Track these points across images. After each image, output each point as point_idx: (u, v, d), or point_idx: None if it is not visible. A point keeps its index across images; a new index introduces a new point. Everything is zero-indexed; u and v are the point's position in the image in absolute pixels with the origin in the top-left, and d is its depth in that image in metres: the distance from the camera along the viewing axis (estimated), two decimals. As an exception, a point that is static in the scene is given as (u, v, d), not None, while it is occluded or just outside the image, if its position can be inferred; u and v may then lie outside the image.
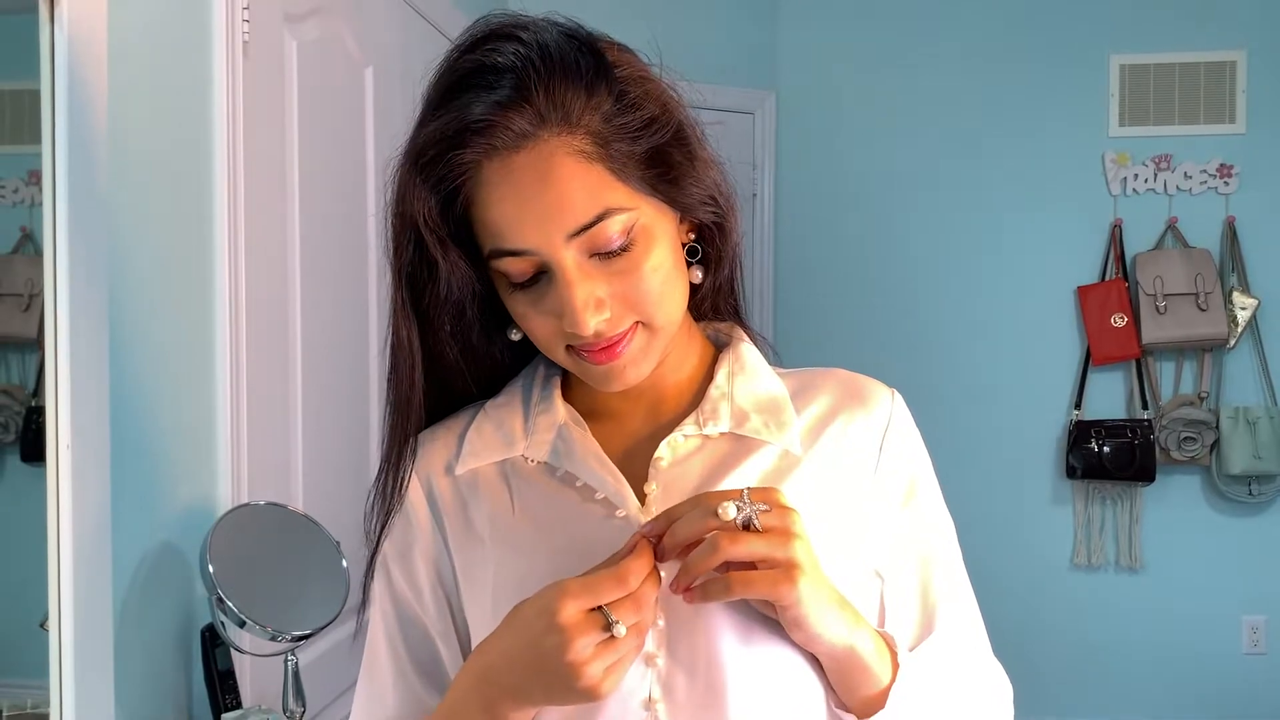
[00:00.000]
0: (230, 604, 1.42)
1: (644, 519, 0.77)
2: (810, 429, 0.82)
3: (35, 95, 1.26)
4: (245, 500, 1.59)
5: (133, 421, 1.46)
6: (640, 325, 0.77)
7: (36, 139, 1.26)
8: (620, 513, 0.79)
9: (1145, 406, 3.56)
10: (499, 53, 0.73)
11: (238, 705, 1.52)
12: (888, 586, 0.83)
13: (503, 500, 0.82)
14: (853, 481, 0.81)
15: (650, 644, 0.75)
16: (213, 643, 1.55)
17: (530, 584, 0.75)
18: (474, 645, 0.79)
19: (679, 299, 0.78)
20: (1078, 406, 3.60)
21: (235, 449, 1.59)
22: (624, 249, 0.74)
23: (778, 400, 0.83)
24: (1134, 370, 3.59)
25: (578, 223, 0.72)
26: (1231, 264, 3.53)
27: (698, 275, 0.82)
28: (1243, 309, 3.49)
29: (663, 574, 0.74)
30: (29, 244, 1.33)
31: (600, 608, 0.70)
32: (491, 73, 0.73)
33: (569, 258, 0.73)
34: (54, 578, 1.31)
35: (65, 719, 1.31)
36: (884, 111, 3.70)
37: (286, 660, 1.51)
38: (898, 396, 0.86)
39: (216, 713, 1.51)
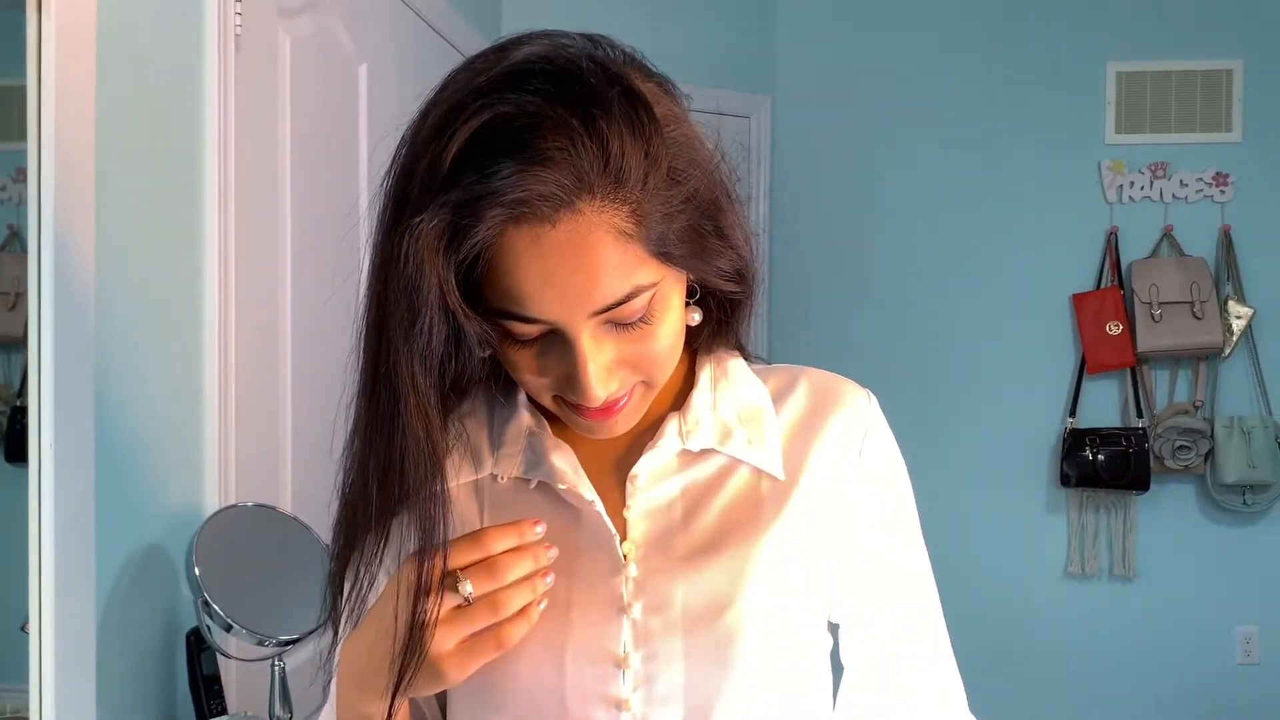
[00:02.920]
0: (217, 607, 1.40)
1: (627, 542, 0.76)
2: (789, 440, 0.79)
3: (21, 92, 1.23)
4: (233, 502, 1.57)
5: (118, 421, 1.43)
6: (641, 383, 0.74)
7: (23, 136, 1.23)
8: (596, 507, 0.76)
9: (1140, 415, 3.55)
10: (538, 95, 0.64)
11: (223, 711, 1.50)
12: (849, 632, 0.82)
13: (472, 522, 0.78)
14: (830, 503, 0.79)
15: (624, 688, 0.72)
16: (198, 647, 1.52)
17: None
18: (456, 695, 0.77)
19: (679, 351, 0.75)
20: (1072, 414, 3.59)
21: (222, 450, 1.57)
22: (642, 320, 0.70)
23: (760, 410, 0.80)
24: (1129, 378, 3.58)
25: (606, 303, 0.67)
26: (1227, 273, 3.53)
27: (695, 318, 0.78)
28: (1238, 318, 3.49)
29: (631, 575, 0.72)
30: (16, 242, 1.31)
31: (455, 573, 0.66)
32: (529, 128, 0.63)
33: (586, 330, 0.69)
34: (35, 579, 1.28)
35: (46, 722, 1.29)
36: (880, 116, 3.68)
37: (273, 665, 1.49)
38: (873, 399, 0.83)
39: (201, 718, 1.48)
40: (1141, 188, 3.59)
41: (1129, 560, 3.58)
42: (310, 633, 1.45)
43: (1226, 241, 3.54)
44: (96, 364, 1.34)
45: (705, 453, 0.78)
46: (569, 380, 0.71)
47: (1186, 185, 3.57)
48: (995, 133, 3.64)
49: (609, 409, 0.73)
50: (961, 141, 3.66)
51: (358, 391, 0.74)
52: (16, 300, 1.30)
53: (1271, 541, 3.53)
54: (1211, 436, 3.47)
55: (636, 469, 0.77)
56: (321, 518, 1.59)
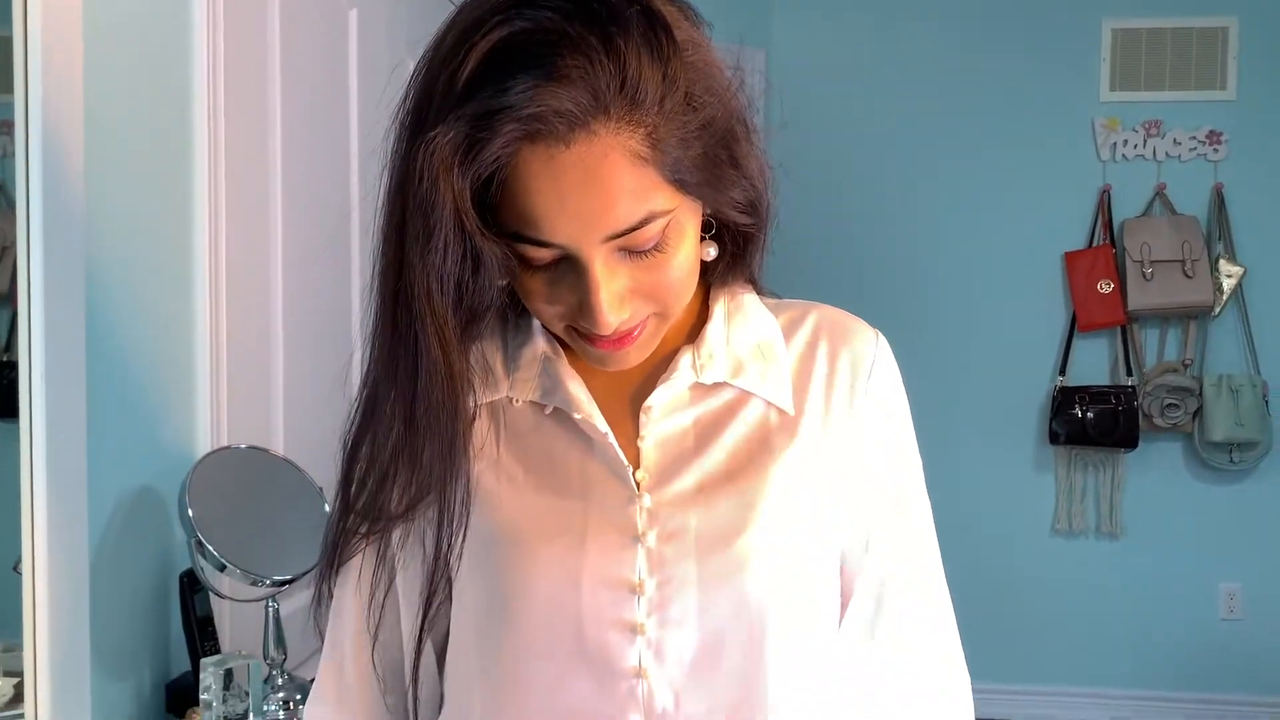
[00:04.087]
0: (210, 547, 1.40)
1: (641, 474, 0.76)
2: (799, 374, 0.80)
3: (8, 43, 1.21)
4: (225, 444, 1.56)
5: (110, 364, 1.42)
6: (655, 315, 0.74)
7: (8, 88, 1.22)
8: (609, 439, 0.76)
9: (1129, 373, 3.56)
10: (557, 12, 0.63)
11: (216, 652, 1.50)
12: (850, 574, 0.82)
13: (486, 444, 0.78)
14: (837, 437, 0.79)
15: (640, 613, 0.73)
16: (191, 588, 1.52)
17: (529, 526, 0.73)
18: (460, 596, 0.77)
19: (694, 283, 0.75)
20: (1062, 373, 3.60)
21: (215, 393, 1.56)
22: (656, 248, 0.70)
23: (772, 344, 0.80)
24: (1119, 337, 3.60)
25: (619, 227, 0.67)
26: (1218, 231, 3.53)
27: (710, 253, 0.78)
28: (1228, 277, 3.49)
29: (654, 529, 0.72)
30: (2, 196, 1.29)
31: None
32: (546, 45, 0.63)
33: (600, 256, 0.68)
34: (28, 520, 1.28)
35: (40, 663, 1.29)
36: (874, 73, 3.66)
37: (267, 606, 1.49)
38: (882, 339, 0.83)
39: (195, 660, 1.49)
40: (1135, 146, 3.58)
41: (1116, 518, 3.61)
42: (304, 573, 1.45)
43: (1219, 200, 3.54)
44: (87, 307, 1.33)
45: (717, 385, 0.79)
46: (582, 308, 0.70)
47: (1180, 144, 3.56)
48: (989, 90, 3.62)
49: (622, 339, 0.73)
50: (955, 99, 3.64)
51: (375, 314, 0.74)
52: (3, 253, 1.29)
53: (1257, 499, 3.56)
54: (1200, 395, 3.49)
55: (650, 400, 0.77)
56: (314, 460, 1.59)
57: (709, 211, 0.75)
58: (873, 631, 0.82)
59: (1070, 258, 3.60)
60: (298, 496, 1.51)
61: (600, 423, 0.76)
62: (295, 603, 1.56)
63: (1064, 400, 3.55)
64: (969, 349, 3.65)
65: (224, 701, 1.35)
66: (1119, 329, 3.58)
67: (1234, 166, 3.54)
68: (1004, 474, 3.66)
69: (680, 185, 0.69)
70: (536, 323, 0.80)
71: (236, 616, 1.62)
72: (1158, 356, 3.59)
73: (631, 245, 0.69)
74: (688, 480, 0.75)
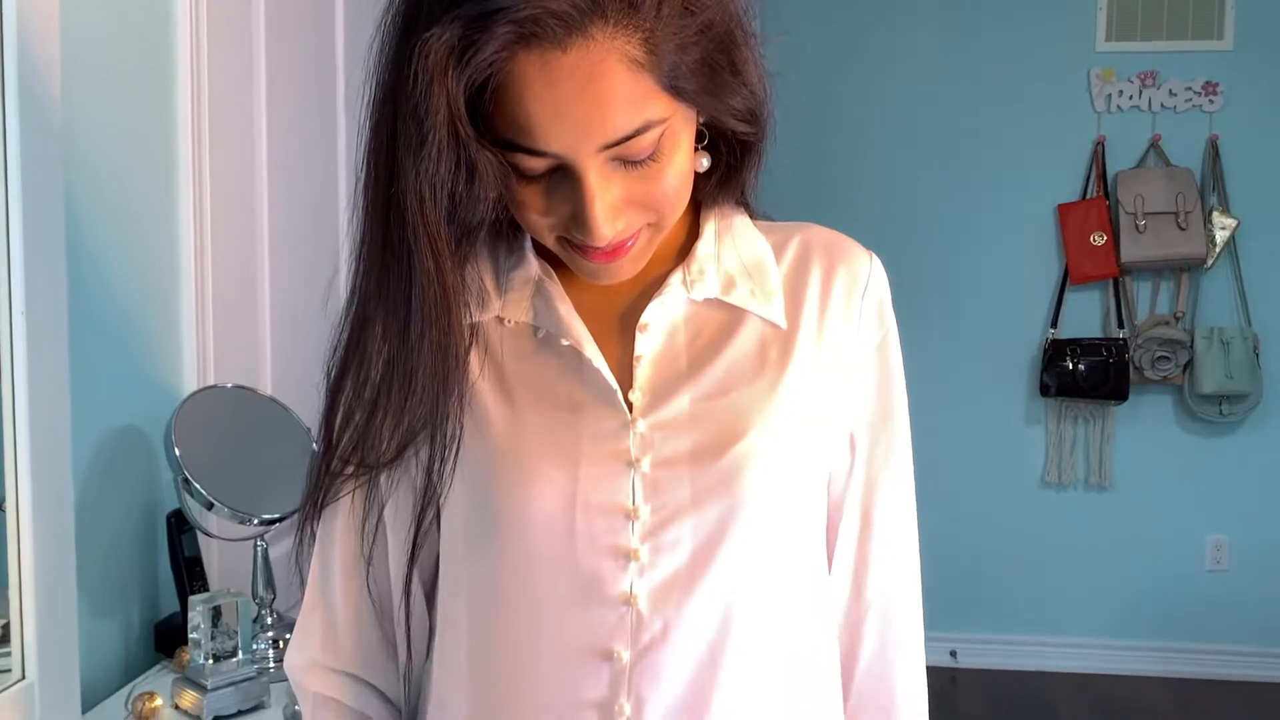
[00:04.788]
0: (197, 485, 1.38)
1: (632, 394, 0.74)
2: (791, 291, 0.79)
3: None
4: (211, 383, 1.54)
5: (92, 300, 1.39)
6: (648, 225, 0.72)
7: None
8: (596, 363, 0.74)
9: (1121, 326, 3.56)
10: None
11: (205, 591, 1.49)
12: (838, 476, 0.82)
13: (472, 366, 0.76)
14: (830, 355, 0.79)
15: (634, 539, 0.71)
16: (179, 529, 1.51)
17: (523, 446, 0.72)
18: (448, 523, 0.75)
19: (688, 194, 0.73)
20: (1053, 325, 3.60)
21: (201, 330, 1.53)
22: (651, 158, 0.68)
23: (762, 262, 0.79)
24: (1111, 289, 3.59)
25: (615, 136, 0.66)
26: (1213, 183, 3.51)
27: (703, 164, 0.76)
28: (1222, 229, 3.48)
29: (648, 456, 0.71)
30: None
31: None
32: None
33: (594, 165, 0.67)
34: (10, 458, 1.25)
35: (26, 603, 1.27)
36: (866, 21, 3.61)
37: (255, 546, 1.48)
38: (876, 260, 0.83)
39: (183, 600, 1.47)
40: (1130, 97, 3.55)
41: (1105, 470, 3.62)
42: (293, 513, 1.43)
43: (1213, 152, 3.52)
44: (68, 242, 1.30)
45: (709, 303, 0.77)
46: (575, 219, 0.69)
47: (1175, 95, 3.53)
48: (985, 39, 3.58)
49: (615, 251, 0.71)
50: (949, 50, 3.60)
51: (362, 229, 0.72)
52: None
53: (1245, 452, 3.57)
54: (1191, 347, 3.49)
55: (643, 319, 0.76)
56: (301, 399, 1.57)
57: (703, 120, 0.73)
58: (855, 545, 0.82)
59: (1063, 210, 3.58)
60: (285, 436, 1.49)
61: (590, 347, 0.74)
62: (284, 544, 1.55)
63: (1055, 352, 3.55)
64: (960, 301, 3.64)
65: (212, 639, 1.33)
66: (1111, 281, 3.57)
67: (1229, 118, 3.52)
68: (994, 426, 3.66)
69: (677, 92, 0.67)
70: (529, 244, 0.78)
71: (225, 557, 1.60)
72: (1150, 309, 3.58)
73: (627, 155, 0.67)
74: (682, 402, 0.74)
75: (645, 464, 0.72)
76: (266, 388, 1.59)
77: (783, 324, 0.77)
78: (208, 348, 1.54)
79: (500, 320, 0.77)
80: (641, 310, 0.76)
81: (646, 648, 0.71)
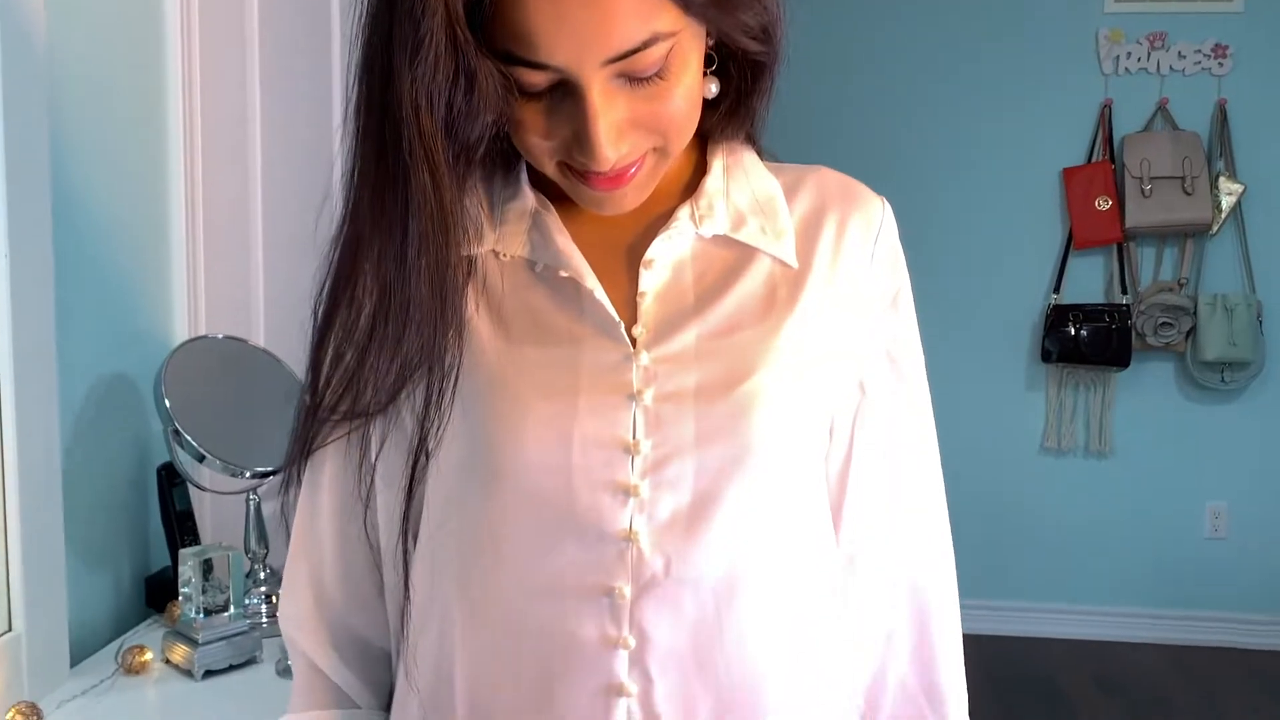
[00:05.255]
0: (187, 436, 1.35)
1: (635, 329, 0.71)
2: (804, 231, 0.76)
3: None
4: (203, 333, 1.51)
5: (79, 244, 1.36)
6: (654, 150, 0.69)
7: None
8: (598, 295, 0.71)
9: (1124, 292, 3.53)
10: None
11: (196, 545, 1.46)
12: (843, 420, 0.79)
13: (472, 300, 0.72)
14: (841, 298, 0.76)
15: (634, 475, 0.68)
16: (170, 482, 1.48)
17: (518, 380, 0.68)
18: (441, 460, 0.71)
19: (696, 118, 0.70)
20: (1056, 291, 3.57)
21: (191, 279, 1.50)
22: (658, 75, 0.65)
23: (773, 200, 0.76)
24: (1115, 255, 3.55)
25: (620, 48, 0.62)
26: (1220, 148, 3.47)
27: (712, 90, 0.72)
28: (1228, 194, 3.44)
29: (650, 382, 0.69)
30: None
31: None
32: None
33: (598, 82, 0.63)
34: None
35: (11, 554, 1.24)
36: (874, -20, 3.56)
37: (248, 499, 1.45)
38: (888, 206, 0.80)
39: (174, 554, 1.45)
40: (1139, 59, 3.50)
41: (1105, 436, 3.60)
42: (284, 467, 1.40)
43: (1221, 116, 3.47)
44: (53, 183, 1.26)
45: (718, 240, 0.74)
46: (578, 141, 0.65)
47: (1184, 57, 3.48)
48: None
49: (619, 177, 0.68)
50: (955, 9, 3.54)
51: (355, 146, 0.68)
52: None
53: (1246, 420, 3.55)
54: (1194, 314, 3.46)
55: (650, 254, 0.72)
56: (295, 352, 1.53)
57: (712, 43, 0.70)
58: (878, 508, 0.79)
59: (1068, 174, 3.54)
60: (278, 388, 1.45)
61: (590, 278, 0.71)
62: (278, 499, 1.52)
63: (1057, 318, 3.52)
64: (963, 265, 3.60)
65: (203, 593, 1.31)
66: (1115, 247, 3.54)
67: (1238, 81, 3.47)
68: (994, 391, 3.64)
69: (686, 5, 0.64)
70: (525, 176, 0.75)
71: (217, 511, 1.58)
72: (1153, 275, 3.55)
73: (632, 70, 0.64)
74: (688, 337, 0.71)
75: (648, 397, 0.69)
76: (259, 339, 1.55)
77: (794, 263, 0.74)
78: (199, 297, 1.50)
79: (496, 255, 0.73)
80: (646, 246, 0.73)
81: (648, 585, 0.68)
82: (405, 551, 0.74)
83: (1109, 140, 3.52)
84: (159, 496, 1.48)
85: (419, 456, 0.71)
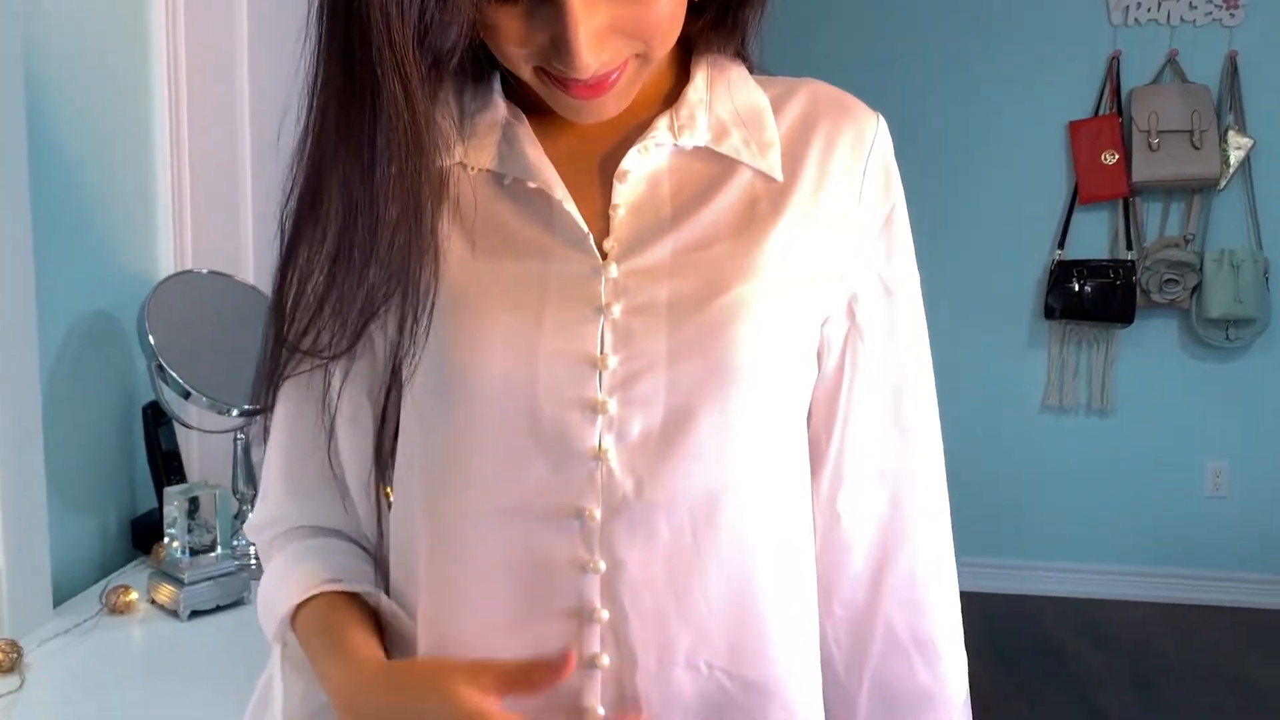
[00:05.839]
0: (172, 373, 1.31)
1: (606, 244, 0.66)
2: (791, 144, 0.71)
3: None
4: (188, 268, 1.46)
5: (56, 176, 1.31)
6: (635, 57, 0.65)
7: None
8: (566, 205, 0.67)
9: (1129, 247, 3.48)
10: None
11: (183, 486, 1.43)
12: (833, 348, 0.74)
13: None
14: (829, 215, 0.71)
15: (601, 391, 0.65)
16: (156, 422, 1.44)
17: (481, 293, 0.65)
18: (408, 380, 0.67)
19: (679, 24, 0.66)
20: (1060, 246, 3.52)
21: (177, 213, 1.45)
22: None
23: (759, 112, 0.72)
24: (1120, 210, 3.50)
25: None
26: (1229, 101, 3.41)
27: None
28: (1237, 149, 3.39)
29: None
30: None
31: None
32: None
33: None
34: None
35: (-7, 494, 1.21)
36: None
37: (235, 439, 1.41)
38: (883, 122, 0.75)
39: (161, 495, 1.41)
40: (1149, 9, 3.43)
41: (1107, 394, 3.57)
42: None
43: (1231, 68, 3.40)
44: (27, 110, 1.21)
45: (699, 153, 0.70)
46: (556, 47, 0.61)
47: (1195, 7, 3.41)
48: (999, -53, 3.45)
49: (598, 85, 0.64)
50: (963, -44, 3.47)
51: (320, 53, 0.64)
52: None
53: (1249, 378, 3.52)
54: (1200, 270, 3.41)
55: (625, 165, 0.69)
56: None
57: None
58: (867, 440, 0.75)
59: (1075, 127, 3.48)
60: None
61: (559, 190, 0.67)
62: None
63: (1061, 274, 3.47)
64: (966, 220, 3.55)
65: (189, 533, 1.27)
66: (1121, 202, 3.49)
67: (1250, 33, 3.40)
68: (996, 348, 3.60)
69: None
70: (497, 86, 0.71)
71: (205, 453, 1.54)
72: (1159, 230, 3.50)
73: None
74: (662, 250, 0.67)
75: (616, 310, 0.65)
76: (249, 275, 1.51)
77: (778, 177, 0.70)
78: (184, 232, 1.46)
79: (464, 167, 0.69)
80: (622, 158, 0.69)
81: (619, 507, 0.64)
82: (376, 481, 0.70)
83: (1117, 93, 3.46)
84: (145, 436, 1.45)
85: (391, 386, 0.67)
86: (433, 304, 0.66)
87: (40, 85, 1.25)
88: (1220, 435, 3.56)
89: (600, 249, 0.67)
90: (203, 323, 1.39)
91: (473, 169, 0.69)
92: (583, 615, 0.64)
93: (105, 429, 1.45)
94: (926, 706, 0.77)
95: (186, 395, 1.32)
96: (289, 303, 0.68)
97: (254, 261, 1.53)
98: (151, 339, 1.32)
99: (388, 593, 0.72)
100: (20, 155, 1.20)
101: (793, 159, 0.71)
